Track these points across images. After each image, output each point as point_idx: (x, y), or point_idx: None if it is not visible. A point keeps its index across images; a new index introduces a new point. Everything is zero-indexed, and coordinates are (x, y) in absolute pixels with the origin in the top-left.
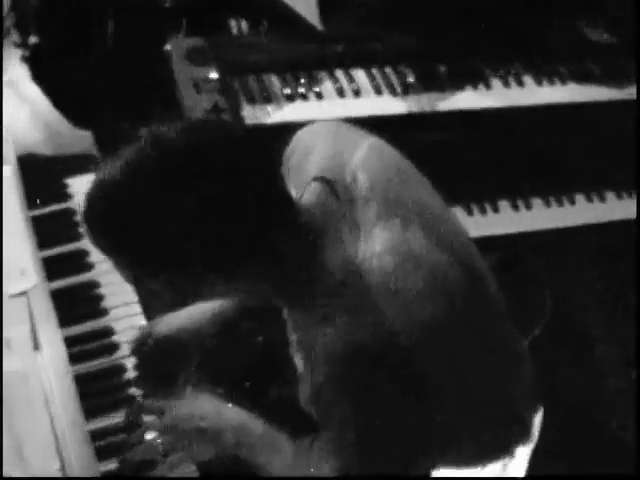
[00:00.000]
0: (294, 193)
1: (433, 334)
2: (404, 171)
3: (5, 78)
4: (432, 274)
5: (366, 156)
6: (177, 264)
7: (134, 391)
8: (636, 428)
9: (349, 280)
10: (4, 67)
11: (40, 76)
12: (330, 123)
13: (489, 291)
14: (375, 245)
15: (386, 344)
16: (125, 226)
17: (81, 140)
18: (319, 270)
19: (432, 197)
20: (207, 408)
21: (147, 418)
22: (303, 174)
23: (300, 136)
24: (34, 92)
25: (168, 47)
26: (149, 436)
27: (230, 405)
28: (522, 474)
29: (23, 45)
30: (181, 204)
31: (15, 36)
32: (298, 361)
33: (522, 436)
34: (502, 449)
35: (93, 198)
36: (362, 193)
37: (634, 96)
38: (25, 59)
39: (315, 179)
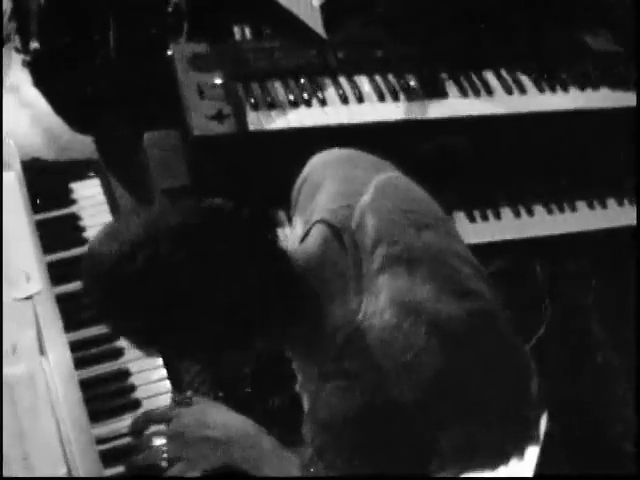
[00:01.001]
0: (300, 229)
1: (438, 385)
2: (414, 210)
3: (6, 83)
4: (436, 324)
5: (375, 198)
6: (193, 344)
7: (139, 395)
8: (637, 433)
9: (348, 341)
10: (6, 72)
11: (41, 81)
12: (343, 154)
13: (498, 323)
14: (378, 299)
15: (387, 407)
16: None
17: (82, 145)
18: (322, 323)
19: (441, 233)
20: (217, 418)
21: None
22: (310, 210)
23: (312, 166)
24: (35, 97)
25: (171, 52)
26: (156, 442)
27: (240, 416)
28: (531, 474)
29: (24, 50)
30: (183, 289)
31: (16, 41)
32: (304, 400)
33: (531, 438)
34: (512, 452)
35: (92, 282)
36: (368, 240)
37: (635, 103)
38: (26, 64)
39: (320, 221)
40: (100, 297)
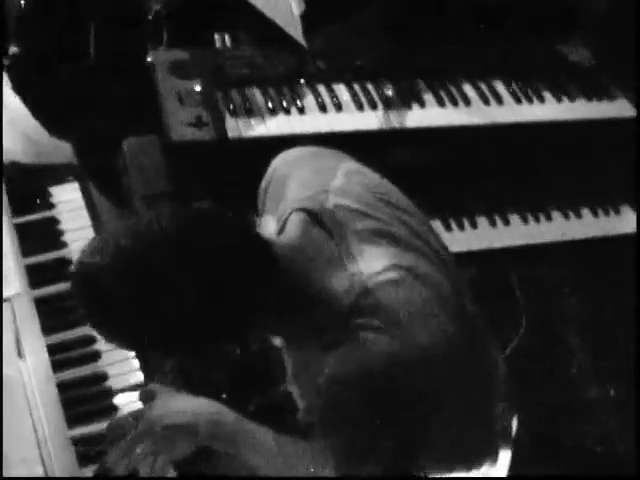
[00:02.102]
0: (273, 225)
1: (441, 347)
2: (382, 192)
3: None
4: (429, 284)
5: (344, 182)
6: (187, 339)
7: (117, 400)
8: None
9: (360, 300)
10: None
11: (19, 86)
12: (304, 150)
13: (470, 306)
14: (372, 265)
15: (403, 355)
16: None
17: (60, 150)
18: (319, 301)
19: (410, 213)
20: (178, 405)
21: None
22: (282, 205)
23: (275, 166)
24: (13, 101)
25: (151, 59)
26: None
27: (201, 398)
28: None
29: (3, 54)
30: (172, 285)
31: None
32: (295, 393)
33: (503, 441)
34: (486, 454)
35: (83, 281)
36: (346, 219)
37: (610, 114)
38: (5, 68)
39: (295, 210)
40: (90, 298)
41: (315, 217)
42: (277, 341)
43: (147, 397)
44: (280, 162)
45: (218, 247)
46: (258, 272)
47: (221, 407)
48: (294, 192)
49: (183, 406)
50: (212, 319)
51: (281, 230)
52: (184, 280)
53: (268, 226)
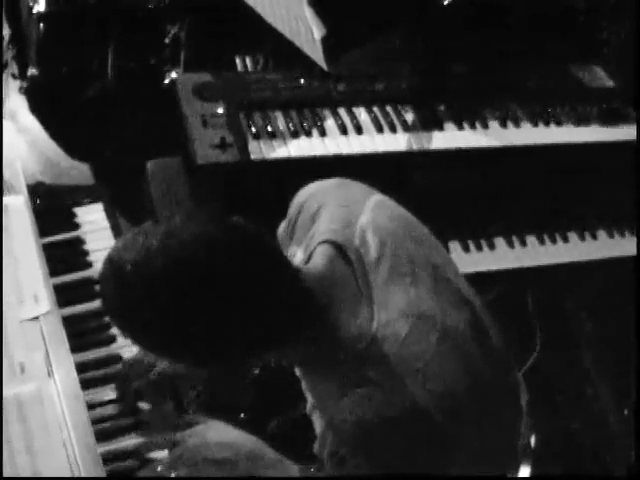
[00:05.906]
0: (301, 255)
1: (451, 395)
2: (408, 228)
3: (4, 109)
4: (445, 332)
5: (373, 217)
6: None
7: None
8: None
9: (365, 351)
10: (3, 98)
11: (38, 108)
12: (333, 183)
13: (491, 336)
14: (388, 311)
15: (407, 414)
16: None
17: (79, 171)
18: (335, 338)
19: (434, 249)
20: (219, 437)
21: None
22: (310, 235)
23: (306, 196)
24: (32, 123)
25: (174, 82)
26: (162, 469)
27: (241, 432)
28: None
29: (21, 77)
30: (203, 309)
31: (14, 68)
32: (315, 420)
33: (523, 457)
34: (508, 471)
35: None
36: (371, 255)
37: (627, 137)
38: (23, 90)
39: (323, 242)
40: (120, 305)
41: (341, 251)
42: (297, 371)
43: (186, 423)
44: (311, 192)
45: (249, 265)
46: (286, 296)
47: (260, 443)
48: (323, 223)
49: (224, 439)
50: (234, 335)
51: (307, 260)
52: (209, 290)
53: (295, 257)
